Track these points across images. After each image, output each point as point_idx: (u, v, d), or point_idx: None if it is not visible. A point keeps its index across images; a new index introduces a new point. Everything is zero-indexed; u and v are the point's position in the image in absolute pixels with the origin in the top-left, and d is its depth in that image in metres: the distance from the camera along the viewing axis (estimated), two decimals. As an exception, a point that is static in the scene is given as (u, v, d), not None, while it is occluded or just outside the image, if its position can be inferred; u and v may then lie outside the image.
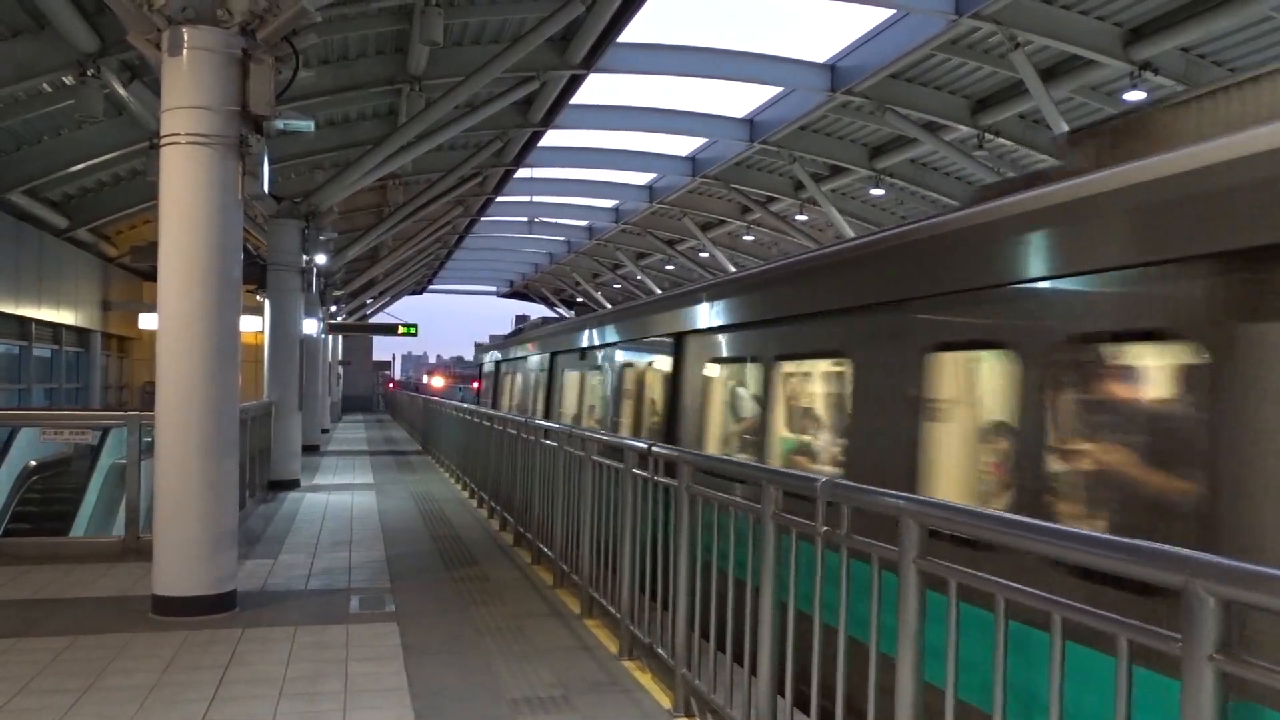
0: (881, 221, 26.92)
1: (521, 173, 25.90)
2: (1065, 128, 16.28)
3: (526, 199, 32.37)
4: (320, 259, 18.06)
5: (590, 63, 16.57)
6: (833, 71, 18.76)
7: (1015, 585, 2.32)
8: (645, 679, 5.12)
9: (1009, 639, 2.37)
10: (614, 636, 5.77)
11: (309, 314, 18.54)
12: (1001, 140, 19.00)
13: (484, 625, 6.28)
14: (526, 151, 22.62)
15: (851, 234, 25.26)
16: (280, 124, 7.90)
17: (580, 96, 19.15)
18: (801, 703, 3.53)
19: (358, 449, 23.30)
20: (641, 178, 29.73)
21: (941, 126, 19.16)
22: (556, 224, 38.03)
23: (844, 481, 3.25)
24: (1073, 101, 16.89)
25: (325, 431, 26.80)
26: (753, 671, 3.73)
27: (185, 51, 6.43)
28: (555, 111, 19.33)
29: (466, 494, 13.42)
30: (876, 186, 23.53)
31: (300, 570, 8.12)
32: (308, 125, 8.63)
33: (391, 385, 66.80)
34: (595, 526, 6.23)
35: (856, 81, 18.11)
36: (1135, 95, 15.88)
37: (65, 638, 5.80)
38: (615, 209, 34.06)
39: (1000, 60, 16.25)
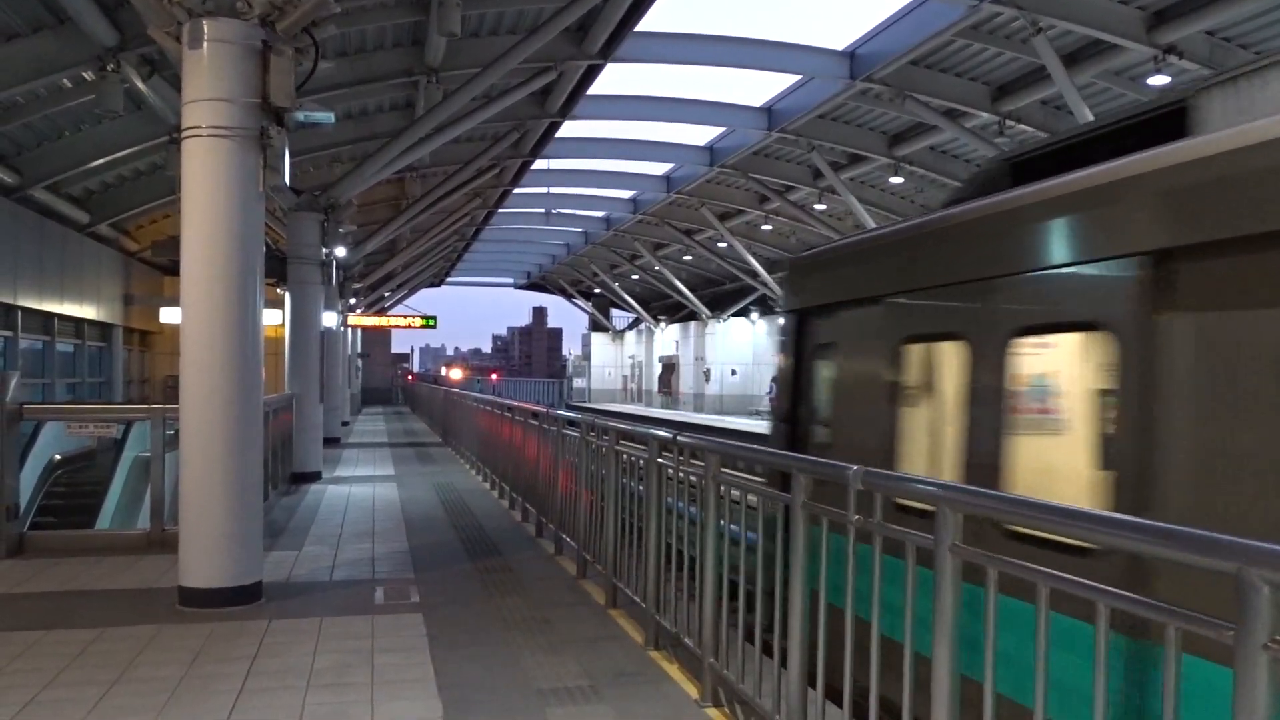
0: (902, 211, 26.78)
1: (539, 164, 25.89)
2: (1088, 113, 16.15)
3: (544, 190, 32.39)
4: (339, 252, 18.09)
5: (607, 52, 16.53)
6: (852, 59, 18.66)
7: (1058, 574, 2.28)
8: (672, 669, 5.10)
9: (1048, 628, 2.32)
10: (640, 627, 5.76)
11: (328, 307, 18.59)
12: (1023, 126, 18.85)
13: (509, 616, 6.28)
14: (544, 142, 22.60)
15: (872, 223, 25.17)
16: (301, 116, 7.87)
17: (597, 87, 19.13)
18: (832, 693, 3.50)
19: (378, 441, 23.37)
20: (659, 168, 29.70)
21: (962, 113, 19.02)
22: (574, 215, 38.07)
23: (875, 469, 3.21)
24: (1095, 87, 16.74)
25: (345, 424, 26.91)
26: (782, 662, 3.70)
27: (205, 44, 6.42)
28: (572, 102, 19.31)
29: (488, 485, 13.44)
30: (896, 174, 23.39)
31: (324, 562, 8.14)
32: (328, 117, 8.60)
33: (410, 378, 66.95)
34: (619, 516, 6.21)
35: (876, 68, 18.00)
36: (1159, 80, 15.72)
37: (93, 630, 5.83)
38: (633, 199, 34.04)
39: (1022, 45, 16.12)
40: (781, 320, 6.16)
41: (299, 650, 5.47)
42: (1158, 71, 15.27)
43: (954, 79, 18.35)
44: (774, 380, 34.78)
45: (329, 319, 18.87)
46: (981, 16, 15.44)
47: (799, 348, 5.94)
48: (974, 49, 17.09)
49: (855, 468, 3.15)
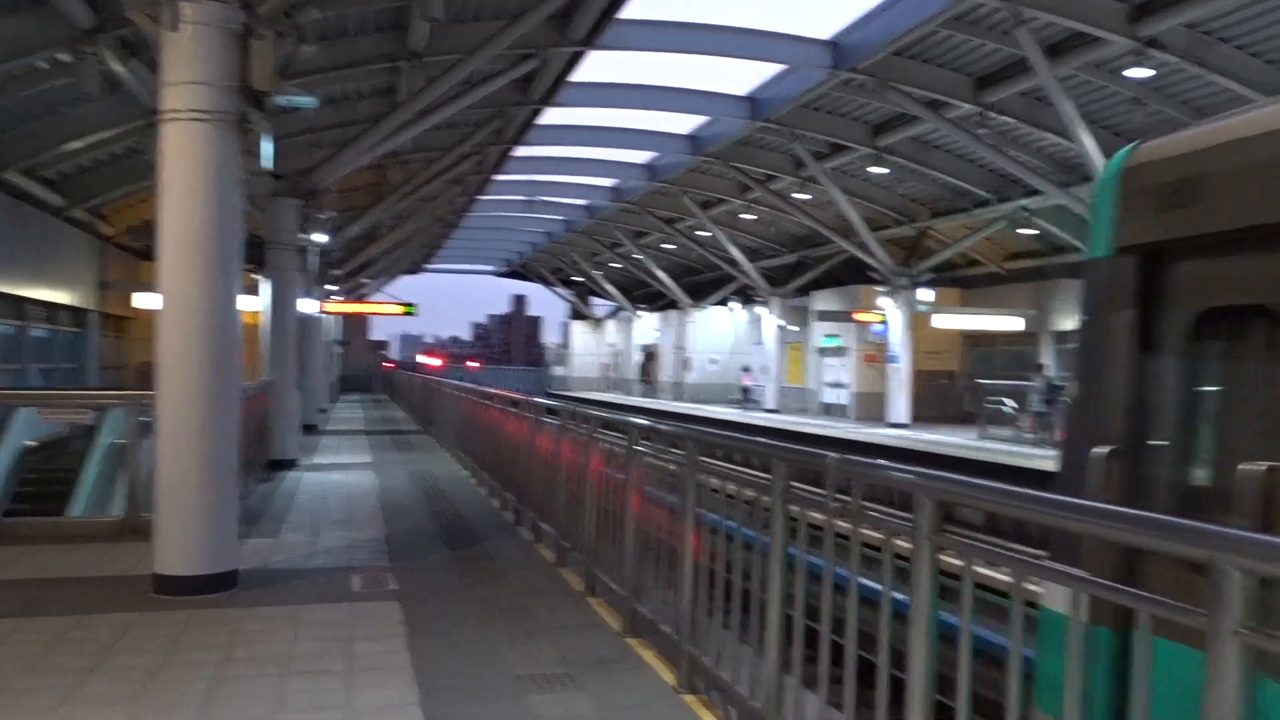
0: (883, 200, 26.87)
1: (521, 151, 25.80)
2: (1069, 105, 16.24)
3: (526, 178, 32.28)
4: (319, 238, 17.98)
5: (591, 39, 16.47)
6: (835, 49, 18.67)
7: (1033, 561, 2.29)
8: (650, 656, 5.11)
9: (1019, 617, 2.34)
10: (618, 614, 5.77)
11: (307, 293, 18.49)
12: (1004, 118, 18.91)
13: (487, 604, 6.27)
14: (526, 129, 22.52)
15: (857, 211, 25.23)
16: (282, 100, 7.82)
17: (580, 74, 19.07)
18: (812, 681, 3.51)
19: (356, 428, 23.28)
20: (641, 156, 29.65)
21: (944, 104, 19.07)
22: (556, 203, 37.96)
23: (855, 457, 3.23)
24: (1076, 79, 16.79)
25: (323, 411, 26.80)
26: (760, 649, 3.72)
27: (185, 26, 6.35)
28: (555, 89, 19.24)
29: (467, 473, 13.41)
30: (877, 164, 23.43)
31: (301, 549, 8.11)
32: (311, 102, 8.55)
33: (388, 365, 66.60)
34: (598, 504, 6.22)
35: (859, 59, 18.02)
36: (1138, 72, 15.81)
37: (69, 618, 5.78)
38: (615, 188, 33.98)
39: (1004, 37, 16.16)
40: (1086, 271, 3.28)
41: (275, 638, 5.45)
42: (1137, 64, 15.36)
43: (936, 70, 18.39)
44: (745, 369, 32.93)
45: (307, 305, 18.78)
46: (964, 7, 15.48)
47: (1150, 316, 3.00)
48: (957, 40, 17.13)
49: (832, 455, 3.18)
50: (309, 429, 19.38)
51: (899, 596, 2.80)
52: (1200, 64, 15.18)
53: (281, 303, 15.25)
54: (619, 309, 54.69)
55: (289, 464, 14.24)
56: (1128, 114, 17.92)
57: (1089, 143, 17.07)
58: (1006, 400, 23.00)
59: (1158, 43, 14.82)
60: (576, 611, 6.09)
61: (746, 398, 38.04)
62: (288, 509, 10.30)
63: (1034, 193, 21.58)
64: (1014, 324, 27.58)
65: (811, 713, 3.39)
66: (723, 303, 43.20)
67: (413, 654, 5.15)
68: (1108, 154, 17.44)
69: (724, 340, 44.71)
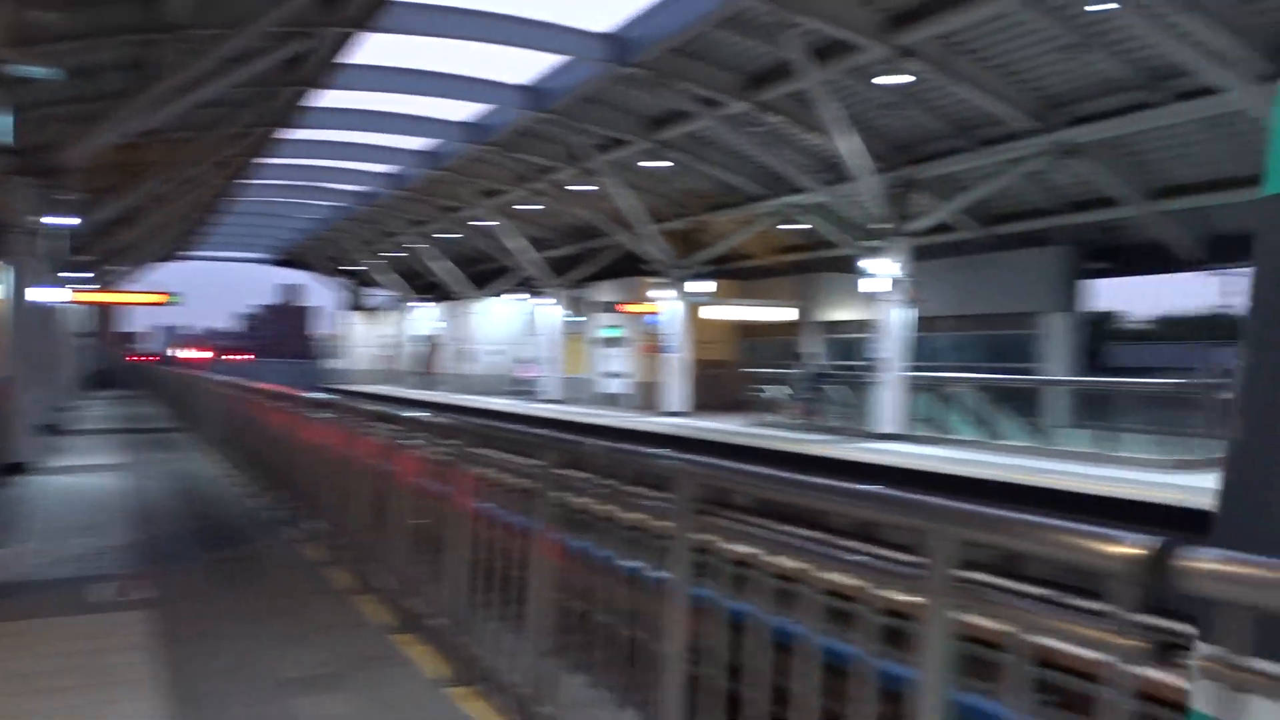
0: (661, 194, 27.52)
1: (295, 134, 24.73)
2: (831, 107, 17.17)
3: (298, 162, 31.02)
4: (63, 221, 16.60)
5: (366, 21, 15.97)
6: (614, 42, 18.96)
7: (774, 535, 2.42)
8: (420, 651, 5.04)
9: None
10: (388, 611, 5.65)
11: (49, 281, 17.05)
12: (774, 117, 19.74)
13: (250, 607, 6.00)
14: (298, 112, 21.59)
15: (637, 204, 25.72)
16: (16, 70, 7.18)
17: (358, 56, 18.49)
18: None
19: (107, 427, 21.70)
20: (421, 143, 29.09)
21: (718, 102, 19.71)
22: (330, 189, 36.65)
23: (617, 444, 3.30)
24: (839, 83, 17.74)
25: (68, 409, 24.83)
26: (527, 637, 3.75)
27: (-109, -20, 5.72)
28: (330, 71, 18.54)
29: (231, 471, 12.76)
30: (656, 158, 23.94)
31: (41, 559, 7.49)
32: (50, 73, 7.87)
33: (140, 358, 61.83)
34: (368, 500, 6.08)
35: (638, 53, 18.37)
36: (890, 79, 16.95)
37: None
38: (392, 174, 33.16)
39: (773, 40, 16.87)
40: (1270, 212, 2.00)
41: (6, 656, 5.00)
42: (894, 71, 16.43)
43: (711, 68, 18.97)
44: (518, 361, 33.03)
45: (51, 294, 17.34)
46: (738, 9, 16.06)
47: None
48: (731, 40, 17.74)
49: (593, 442, 3.25)
50: (51, 429, 17.89)
51: (664, 575, 2.90)
52: (948, 73, 16.38)
53: (20, 291, 13.98)
54: (398, 299, 53.42)
55: (28, 467, 13.09)
56: (885, 118, 19.12)
57: (845, 144, 18.12)
58: (768, 388, 23.96)
59: (912, 52, 15.90)
60: (346, 610, 5.92)
61: (522, 389, 38.15)
62: (26, 516, 9.47)
63: (800, 190, 22.66)
64: (784, 314, 28.87)
65: (578, 694, 3.45)
66: (498, 294, 42.96)
67: (168, 664, 4.86)
68: (873, 153, 18.45)
69: (506, 330, 44.50)
